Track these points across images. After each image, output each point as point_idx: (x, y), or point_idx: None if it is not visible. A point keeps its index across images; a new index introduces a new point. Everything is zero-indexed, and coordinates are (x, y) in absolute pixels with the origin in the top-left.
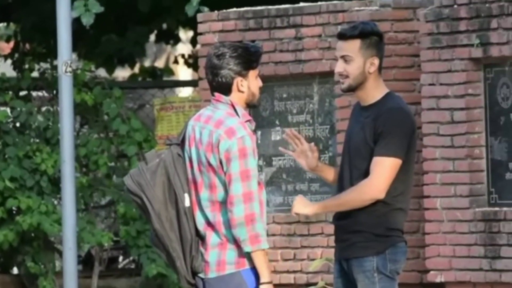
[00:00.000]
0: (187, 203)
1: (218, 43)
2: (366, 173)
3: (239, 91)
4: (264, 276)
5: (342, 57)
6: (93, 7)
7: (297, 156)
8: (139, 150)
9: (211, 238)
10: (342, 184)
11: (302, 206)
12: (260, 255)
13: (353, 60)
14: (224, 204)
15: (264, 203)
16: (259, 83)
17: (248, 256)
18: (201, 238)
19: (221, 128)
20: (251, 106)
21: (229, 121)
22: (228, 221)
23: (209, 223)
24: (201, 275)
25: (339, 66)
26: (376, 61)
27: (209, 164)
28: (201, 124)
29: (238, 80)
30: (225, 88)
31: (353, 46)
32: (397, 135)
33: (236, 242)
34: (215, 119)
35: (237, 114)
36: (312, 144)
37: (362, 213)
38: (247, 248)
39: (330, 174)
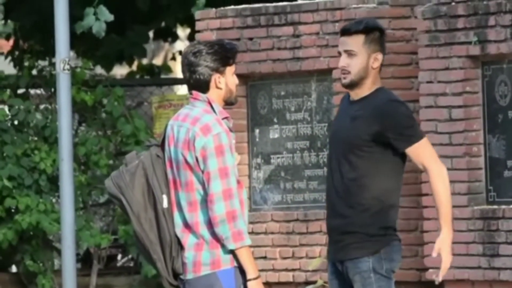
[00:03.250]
0: (165, 204)
1: (194, 41)
2: (355, 167)
3: (217, 87)
4: (250, 273)
5: (346, 51)
6: (103, 16)
7: None
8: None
9: (188, 239)
10: (332, 178)
11: (445, 251)
12: (244, 251)
13: (357, 55)
14: (202, 204)
15: (244, 202)
16: (236, 80)
17: (225, 256)
18: (179, 239)
19: (197, 125)
20: (228, 103)
21: (205, 118)
22: (205, 221)
23: (186, 224)
24: (182, 276)
25: (343, 61)
26: (380, 57)
27: (186, 162)
28: (179, 123)
29: (215, 76)
30: (203, 85)
31: (356, 41)
32: (409, 122)
33: (211, 243)
34: (192, 117)
35: (214, 111)
36: None
37: (354, 213)
38: (230, 245)
39: None
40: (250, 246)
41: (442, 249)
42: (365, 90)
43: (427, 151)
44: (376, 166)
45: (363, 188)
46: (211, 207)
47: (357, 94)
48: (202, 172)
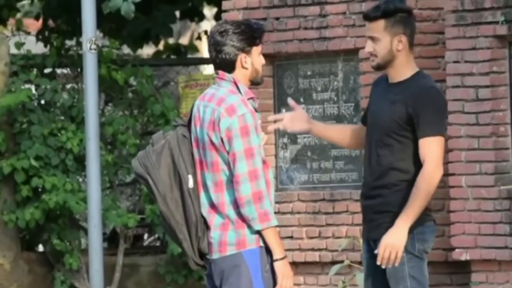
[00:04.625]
0: (190, 184)
1: (221, 21)
2: (392, 150)
3: (243, 67)
4: (277, 253)
5: (370, 37)
6: None
7: (290, 121)
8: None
9: (214, 219)
10: (369, 161)
11: (393, 237)
12: (271, 232)
13: (379, 40)
14: (227, 185)
15: (271, 183)
16: (262, 60)
17: (251, 236)
18: (205, 219)
19: (222, 106)
20: (254, 83)
21: (230, 99)
22: (231, 201)
23: (212, 205)
24: (208, 256)
25: (368, 46)
26: (404, 39)
27: (211, 143)
28: (205, 103)
29: (241, 56)
30: (229, 65)
31: (378, 26)
32: (435, 114)
33: (237, 223)
34: (217, 97)
35: (239, 91)
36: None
37: (389, 193)
38: (257, 226)
39: (332, 133)
40: (277, 226)
41: (382, 242)
42: (399, 72)
43: (433, 150)
44: (412, 150)
45: (398, 171)
46: (237, 188)
47: (393, 76)
48: (228, 153)
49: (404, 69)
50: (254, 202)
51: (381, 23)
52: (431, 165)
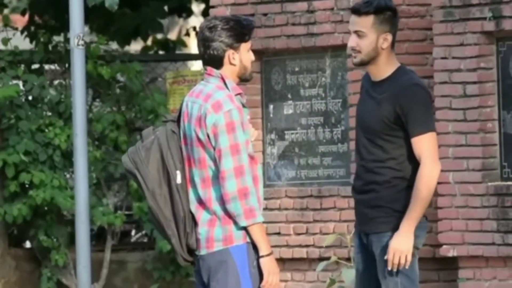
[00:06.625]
0: (178, 180)
1: (211, 16)
2: (383, 149)
3: (231, 64)
4: (263, 250)
5: (355, 32)
6: None
7: None
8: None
9: (202, 215)
10: (362, 157)
11: (400, 242)
12: (256, 228)
13: (366, 35)
14: (214, 180)
15: (259, 178)
16: (251, 56)
17: (237, 232)
18: (193, 215)
19: (209, 101)
20: (243, 80)
21: (217, 95)
22: (218, 197)
23: (200, 201)
24: (196, 252)
25: (352, 41)
26: (389, 37)
27: (198, 139)
28: (193, 99)
29: (229, 53)
30: (217, 61)
31: (366, 22)
32: (424, 111)
33: (223, 219)
34: (205, 93)
35: (227, 87)
36: None
37: (382, 188)
38: (242, 222)
39: None
40: (264, 222)
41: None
42: (382, 69)
43: (428, 146)
44: (403, 149)
45: (392, 169)
46: (222, 184)
47: (375, 74)
48: (214, 149)
49: (386, 66)
50: (240, 199)
51: (370, 18)
52: (428, 163)
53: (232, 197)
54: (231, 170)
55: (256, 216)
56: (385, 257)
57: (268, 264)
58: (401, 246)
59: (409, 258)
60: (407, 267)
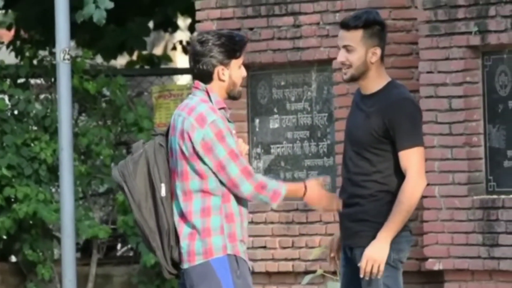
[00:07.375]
0: (163, 193)
1: (203, 31)
2: (371, 163)
3: (220, 79)
4: (299, 193)
5: (344, 46)
6: (103, 3)
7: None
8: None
9: (183, 228)
10: (348, 170)
11: (374, 250)
12: (288, 193)
13: (355, 50)
14: (196, 194)
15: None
16: (243, 72)
17: (217, 245)
18: (176, 228)
19: (192, 115)
20: (231, 97)
21: (200, 107)
22: (197, 211)
23: (182, 214)
24: (180, 265)
25: (341, 56)
26: (378, 51)
27: (182, 152)
28: (179, 112)
29: (219, 68)
30: (206, 76)
31: (355, 36)
32: (412, 125)
33: (203, 232)
34: (189, 106)
35: (211, 100)
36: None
37: (367, 202)
38: (274, 206)
39: None
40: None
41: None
42: (372, 83)
43: (414, 161)
44: (390, 162)
45: (377, 183)
46: (237, 191)
47: (365, 88)
48: (203, 162)
49: (376, 80)
50: (261, 193)
51: (359, 33)
52: (413, 178)
53: (253, 196)
54: (239, 174)
55: (280, 193)
56: (358, 264)
57: (311, 198)
58: (375, 254)
59: (382, 267)
60: (379, 276)
